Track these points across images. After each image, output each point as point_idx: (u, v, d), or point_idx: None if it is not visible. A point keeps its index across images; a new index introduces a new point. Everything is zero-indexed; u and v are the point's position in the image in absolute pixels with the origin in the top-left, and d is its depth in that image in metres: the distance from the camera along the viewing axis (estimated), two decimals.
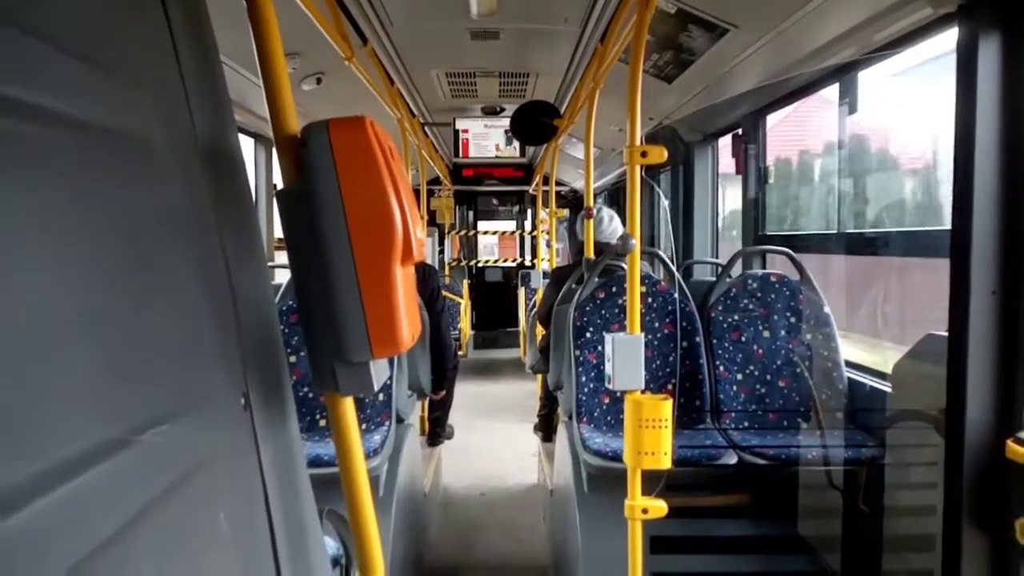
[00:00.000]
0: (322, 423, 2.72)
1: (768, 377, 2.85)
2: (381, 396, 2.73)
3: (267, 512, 0.69)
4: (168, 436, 0.52)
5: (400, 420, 2.80)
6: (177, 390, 0.55)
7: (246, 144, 4.20)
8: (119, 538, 0.44)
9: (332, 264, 0.70)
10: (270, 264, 4.18)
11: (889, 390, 2.48)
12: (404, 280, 0.74)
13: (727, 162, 4.19)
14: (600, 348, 2.79)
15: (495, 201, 10.00)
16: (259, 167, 4.07)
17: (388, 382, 2.74)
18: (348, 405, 0.80)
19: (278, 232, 4.00)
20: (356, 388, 0.75)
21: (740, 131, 3.79)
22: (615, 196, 7.42)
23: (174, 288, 0.57)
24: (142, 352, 0.51)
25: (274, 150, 0.86)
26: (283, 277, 3.40)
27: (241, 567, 0.64)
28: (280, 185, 0.77)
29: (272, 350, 0.76)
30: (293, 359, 2.69)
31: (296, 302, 0.77)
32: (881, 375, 2.68)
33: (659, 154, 1.79)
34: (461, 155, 6.26)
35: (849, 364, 2.81)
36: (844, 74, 2.76)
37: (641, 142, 1.82)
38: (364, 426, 2.72)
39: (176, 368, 0.56)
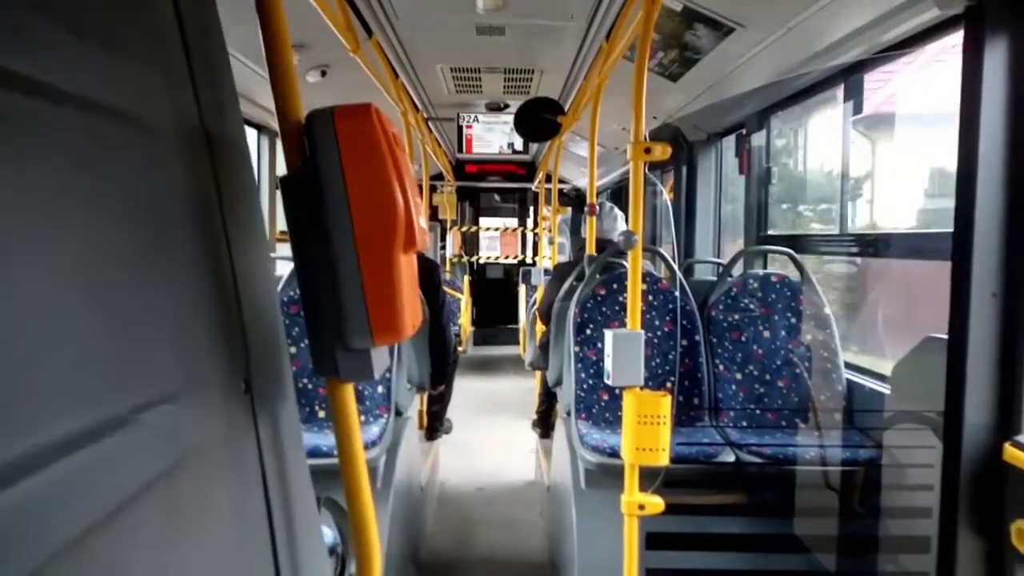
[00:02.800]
0: (321, 414, 2.72)
1: (767, 377, 2.86)
2: (380, 388, 2.74)
3: (265, 497, 0.69)
4: (169, 416, 0.52)
5: (399, 413, 2.81)
6: (178, 372, 0.55)
7: (250, 135, 4.21)
8: (117, 516, 0.44)
9: (334, 250, 0.70)
10: (272, 256, 4.18)
11: (888, 392, 2.48)
12: (406, 268, 0.74)
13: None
14: (600, 345, 2.80)
15: (497, 197, 10.00)
16: (262, 158, 4.07)
17: (387, 374, 2.74)
18: (348, 392, 0.81)
19: (280, 224, 4.00)
20: (357, 374, 0.75)
21: (744, 131, 3.79)
22: (617, 195, 7.41)
23: (176, 270, 0.57)
24: (143, 332, 0.51)
25: (278, 140, 0.86)
26: (284, 269, 3.41)
27: (238, 551, 0.64)
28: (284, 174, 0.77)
29: (273, 337, 0.77)
30: (293, 350, 2.70)
31: (298, 289, 0.77)
32: (880, 377, 2.68)
33: (663, 151, 1.79)
34: (464, 151, 6.26)
35: (848, 366, 2.82)
36: (850, 75, 2.76)
37: (645, 140, 1.82)
38: (363, 418, 2.72)
39: (177, 350, 0.56)
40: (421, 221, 0.78)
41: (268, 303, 0.77)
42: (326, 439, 2.36)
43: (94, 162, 0.48)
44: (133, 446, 0.47)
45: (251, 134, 4.14)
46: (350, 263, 0.71)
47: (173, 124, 0.60)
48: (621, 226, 3.41)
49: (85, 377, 0.43)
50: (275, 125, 0.77)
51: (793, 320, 2.89)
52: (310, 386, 2.74)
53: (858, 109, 2.76)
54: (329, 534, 1.09)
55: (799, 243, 3.22)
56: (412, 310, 0.77)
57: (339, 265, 0.71)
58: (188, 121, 0.63)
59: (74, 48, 0.47)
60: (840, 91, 2.87)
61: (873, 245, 2.92)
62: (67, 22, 0.46)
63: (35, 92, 0.42)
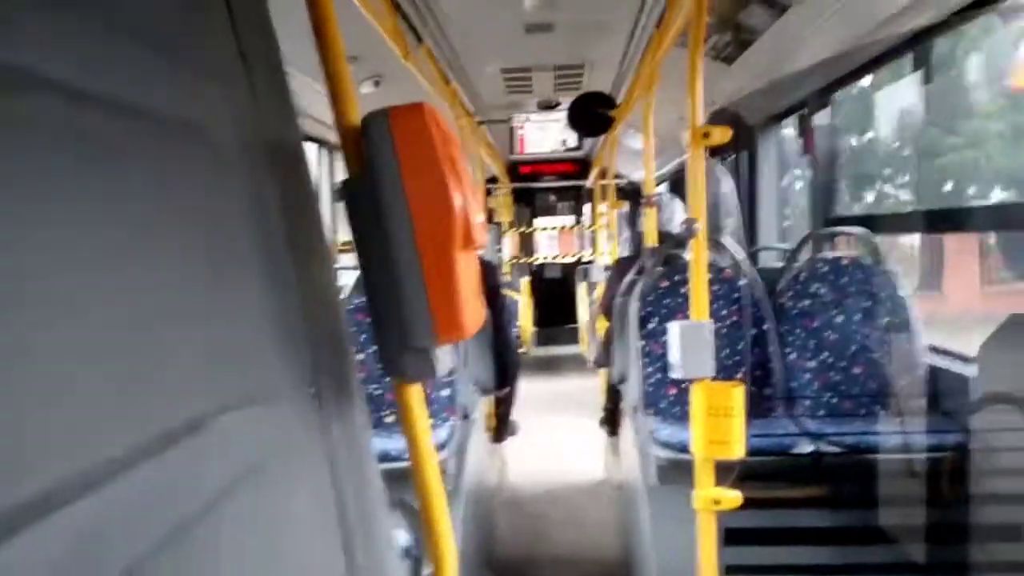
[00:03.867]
0: (389, 419, 2.76)
1: (843, 364, 2.75)
2: (446, 392, 2.76)
3: (337, 502, 0.69)
4: (238, 423, 0.53)
5: (465, 416, 2.83)
6: (248, 382, 0.56)
7: (309, 149, 4.31)
8: (186, 528, 0.44)
9: (395, 252, 0.71)
10: (336, 267, 4.27)
11: (973, 374, 2.36)
12: (466, 266, 0.74)
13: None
14: (664, 338, 2.74)
15: (552, 197, 9.98)
16: (322, 171, 4.17)
17: (452, 377, 2.76)
18: (416, 392, 0.81)
19: (341, 235, 4.09)
20: (421, 373, 0.76)
21: (807, 110, 3.66)
22: (675, 187, 7.29)
23: (242, 282, 0.58)
24: (212, 343, 0.52)
25: (336, 153, 0.87)
26: (346, 279, 3.48)
27: (312, 555, 0.64)
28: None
29: (339, 344, 0.77)
30: (361, 356, 2.74)
31: (364, 291, 0.77)
32: (965, 359, 2.55)
33: (723, 134, 1.74)
34: (517, 151, 6.27)
35: (932, 349, 2.69)
36: (919, 42, 2.63)
37: (703, 125, 1.78)
38: (430, 421, 2.74)
39: (246, 360, 0.57)
40: (479, 218, 0.77)
41: (333, 311, 0.78)
42: (395, 443, 2.39)
43: (162, 174, 0.49)
44: (203, 454, 0.48)
45: (310, 148, 4.24)
46: (412, 263, 0.71)
47: (235, 135, 0.61)
48: (680, 216, 3.35)
49: (153, 385, 0.44)
50: (333, 138, 0.78)
51: (867, 304, 2.77)
52: (378, 392, 2.78)
53: (929, 79, 2.63)
54: (404, 536, 1.10)
55: (871, 223, 3.09)
56: (474, 309, 0.77)
57: (401, 266, 0.71)
58: (250, 132, 0.64)
59: (143, 60, 0.48)
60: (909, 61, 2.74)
61: (950, 219, 2.78)
62: (124, 32, 0.47)
63: (106, 109, 0.43)
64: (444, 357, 0.78)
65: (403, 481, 0.85)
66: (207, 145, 0.56)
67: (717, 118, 4.01)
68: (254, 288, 0.61)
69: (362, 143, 0.73)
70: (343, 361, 0.77)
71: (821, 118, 3.55)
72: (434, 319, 0.72)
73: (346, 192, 0.75)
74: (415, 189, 0.70)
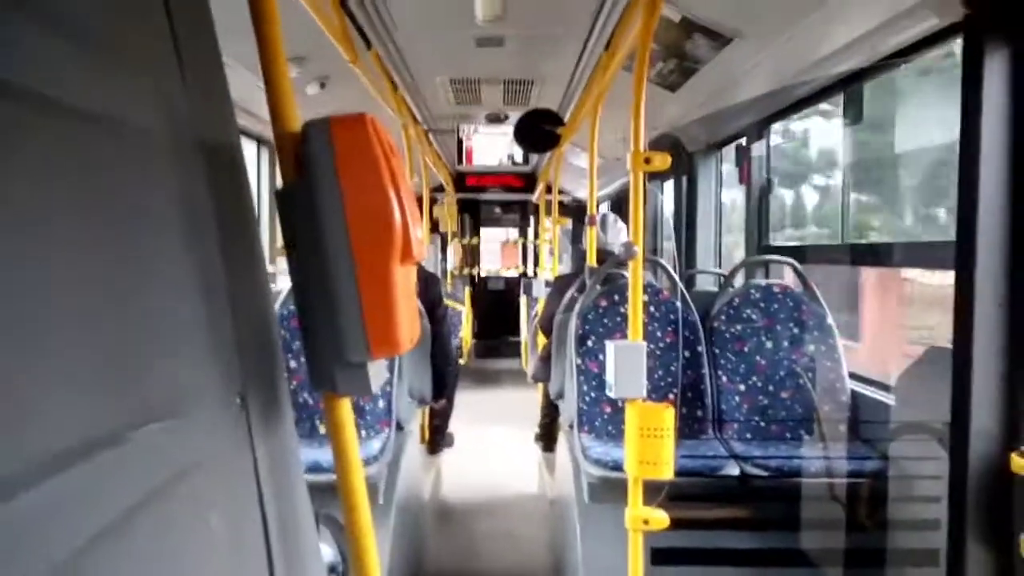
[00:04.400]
0: (322, 429, 2.70)
1: (771, 388, 2.83)
2: (381, 403, 2.72)
3: (262, 515, 0.67)
4: (160, 434, 0.51)
5: (400, 427, 2.79)
6: (170, 387, 0.54)
7: (248, 147, 4.21)
8: (109, 535, 0.43)
9: (331, 262, 0.69)
10: (272, 270, 4.17)
11: (893, 403, 2.46)
12: (403, 280, 0.73)
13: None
14: (602, 357, 2.78)
15: (498, 209, 10.01)
16: (261, 171, 4.07)
17: (388, 388, 2.72)
18: (345, 407, 0.79)
19: (279, 238, 4.00)
20: (353, 389, 0.74)
21: (744, 141, 3.79)
22: (617, 206, 7.42)
23: (166, 283, 0.56)
24: (132, 347, 0.50)
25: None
26: (285, 283, 3.40)
27: (234, 569, 0.62)
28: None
29: (269, 352, 0.75)
30: (294, 364, 2.68)
31: (296, 301, 0.75)
32: (884, 388, 2.66)
33: (663, 160, 1.78)
34: (464, 163, 6.27)
35: (853, 376, 2.79)
36: (850, 84, 2.75)
37: (644, 150, 1.82)
38: (364, 432, 2.70)
39: (168, 365, 0.55)
40: (418, 232, 0.77)
41: (264, 317, 0.75)
42: (326, 454, 2.34)
43: (81, 171, 0.47)
44: (124, 464, 0.46)
45: (249, 146, 4.14)
46: (347, 275, 0.69)
47: (165, 133, 0.59)
48: (624, 237, 3.40)
49: (71, 396, 0.42)
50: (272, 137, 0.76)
51: (796, 331, 2.87)
52: (310, 401, 2.72)
53: (858, 119, 2.76)
54: (329, 551, 1.07)
55: (801, 253, 3.20)
56: (410, 323, 0.76)
57: (335, 277, 0.70)
58: (182, 131, 0.62)
59: (62, 54, 0.46)
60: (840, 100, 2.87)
61: (875, 254, 2.90)
62: (55, 28, 0.45)
63: (19, 98, 0.41)
64: (378, 372, 0.77)
65: (334, 494, 0.84)
66: (131, 142, 0.54)
67: (659, 143, 4.10)
68: (180, 292, 0.58)
69: (301, 150, 0.71)
70: (273, 370, 0.75)
71: (757, 149, 3.68)
72: (368, 333, 0.71)
73: (281, 199, 0.73)
74: (354, 200, 0.69)
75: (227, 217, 0.67)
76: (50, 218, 0.42)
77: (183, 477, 0.54)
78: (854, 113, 2.76)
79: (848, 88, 2.77)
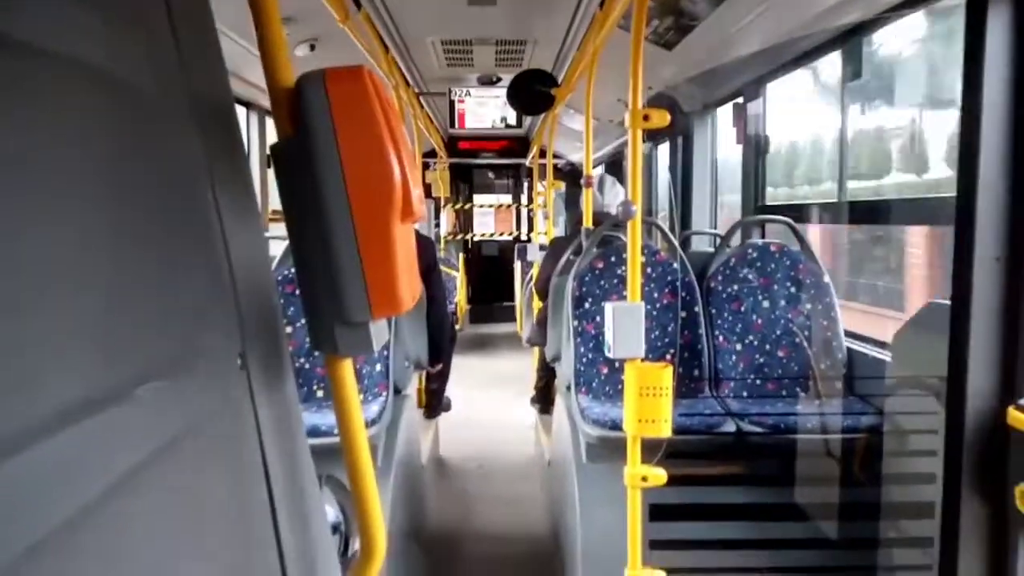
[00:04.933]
0: (319, 393, 2.71)
1: (767, 347, 2.85)
2: (379, 367, 2.73)
3: (265, 474, 0.67)
4: (162, 392, 0.50)
5: (397, 391, 2.80)
6: (170, 346, 0.53)
7: (239, 113, 4.14)
8: (110, 495, 0.42)
9: (329, 221, 0.68)
10: (267, 235, 4.14)
11: (889, 359, 2.48)
12: (404, 238, 0.72)
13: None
14: (599, 319, 2.78)
15: (491, 174, 9.94)
16: (252, 136, 4.01)
17: (385, 352, 2.73)
18: (347, 368, 0.79)
19: (272, 204, 3.97)
20: (355, 349, 0.73)
21: (741, 99, 3.75)
22: (611, 168, 7.37)
23: (166, 240, 0.55)
24: (131, 304, 0.49)
25: (268, 118, 0.83)
26: (276, 249, 3.38)
27: (239, 530, 0.62)
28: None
29: (269, 311, 0.74)
30: (289, 329, 2.68)
31: (293, 264, 0.74)
32: (881, 344, 2.68)
33: (662, 118, 1.76)
34: (457, 126, 6.20)
35: (849, 334, 2.81)
36: (848, 39, 2.71)
37: (643, 108, 1.79)
38: (362, 396, 2.71)
39: (168, 324, 0.54)
40: (418, 190, 0.75)
41: (262, 277, 0.74)
42: (325, 418, 2.35)
43: (78, 127, 0.45)
44: (125, 422, 0.46)
45: (240, 112, 4.08)
46: (346, 234, 0.68)
47: (160, 90, 0.57)
48: (620, 196, 3.38)
49: (74, 353, 0.42)
50: (265, 102, 0.74)
51: (792, 289, 2.88)
52: (307, 365, 2.72)
53: (856, 74, 2.73)
54: (331, 512, 1.08)
55: (797, 212, 3.19)
56: (410, 282, 0.75)
57: (335, 236, 0.68)
58: (175, 88, 0.60)
59: (54, 5, 0.44)
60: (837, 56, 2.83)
61: (873, 212, 2.90)
62: None
63: (15, 49, 0.39)
64: (379, 332, 0.76)
65: (333, 457, 0.83)
66: (131, 97, 0.52)
67: (655, 103, 4.05)
68: (178, 253, 0.57)
69: (296, 105, 0.69)
70: (272, 331, 0.74)
71: (754, 108, 3.64)
72: (370, 292, 0.70)
73: (276, 157, 0.72)
74: (352, 155, 0.67)
75: (222, 176, 0.66)
76: (47, 175, 0.41)
77: (186, 436, 0.54)
78: (853, 69, 2.73)
79: (846, 43, 2.73)
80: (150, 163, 0.55)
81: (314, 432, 2.30)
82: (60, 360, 0.40)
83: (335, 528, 1.07)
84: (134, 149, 0.52)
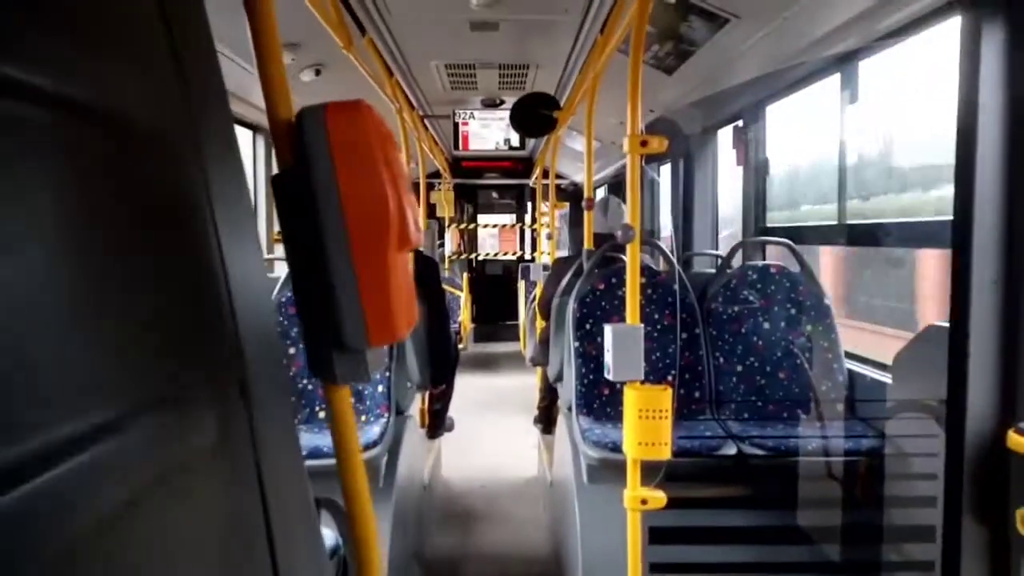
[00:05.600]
0: (322, 415, 2.71)
1: (768, 368, 2.85)
2: (380, 388, 2.73)
3: (262, 500, 0.68)
4: (158, 422, 0.51)
5: (399, 412, 2.80)
6: (167, 376, 0.54)
7: (244, 136, 4.19)
8: (106, 526, 0.43)
9: (327, 250, 0.69)
10: (270, 257, 4.17)
11: (889, 381, 2.47)
12: (401, 267, 0.73)
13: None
14: (600, 340, 2.79)
15: (495, 194, 9.98)
16: (258, 159, 4.06)
17: (387, 374, 2.74)
18: (345, 394, 0.80)
19: (277, 226, 3.99)
20: (352, 376, 0.74)
21: (741, 122, 3.77)
22: (615, 189, 7.41)
23: (162, 271, 0.56)
24: (128, 336, 0.50)
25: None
26: (282, 270, 3.40)
27: (235, 558, 0.63)
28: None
29: (268, 338, 0.76)
30: (293, 351, 2.69)
31: (293, 289, 0.75)
32: (882, 366, 2.68)
33: (659, 143, 1.78)
34: (461, 148, 6.25)
35: (849, 356, 2.81)
36: (845, 64, 2.74)
37: (641, 133, 1.82)
38: (363, 417, 2.72)
39: (166, 354, 0.55)
40: (417, 219, 0.77)
41: (262, 304, 0.76)
42: (326, 439, 2.35)
43: (74, 160, 0.47)
44: (123, 452, 0.46)
45: (246, 135, 4.13)
46: (344, 262, 0.70)
47: (158, 122, 0.59)
48: (624, 218, 3.40)
49: (70, 384, 0.42)
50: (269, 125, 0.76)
51: (793, 311, 2.88)
52: (310, 386, 2.73)
53: (854, 98, 2.75)
54: (331, 536, 1.08)
55: (797, 234, 3.20)
56: (407, 310, 0.76)
57: (332, 265, 0.70)
58: (175, 119, 0.62)
59: (55, 45, 0.45)
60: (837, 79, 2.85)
61: (872, 234, 2.91)
62: (40, 14, 0.45)
63: (11, 92, 0.41)
64: (376, 358, 0.77)
65: (334, 478, 0.84)
66: (127, 131, 0.54)
67: (656, 126, 4.09)
68: (177, 281, 0.58)
69: (296, 137, 0.71)
70: (272, 358, 0.75)
71: (755, 131, 3.67)
72: (367, 320, 0.71)
73: (277, 186, 0.73)
74: (350, 187, 0.68)
75: (221, 205, 0.67)
76: (45, 209, 0.42)
77: (183, 465, 0.54)
78: (850, 92, 2.76)
79: (844, 67, 2.76)
80: (147, 191, 0.56)
81: (316, 454, 2.30)
82: (50, 393, 0.41)
83: (334, 552, 1.07)
84: (131, 180, 0.54)
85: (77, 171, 0.47)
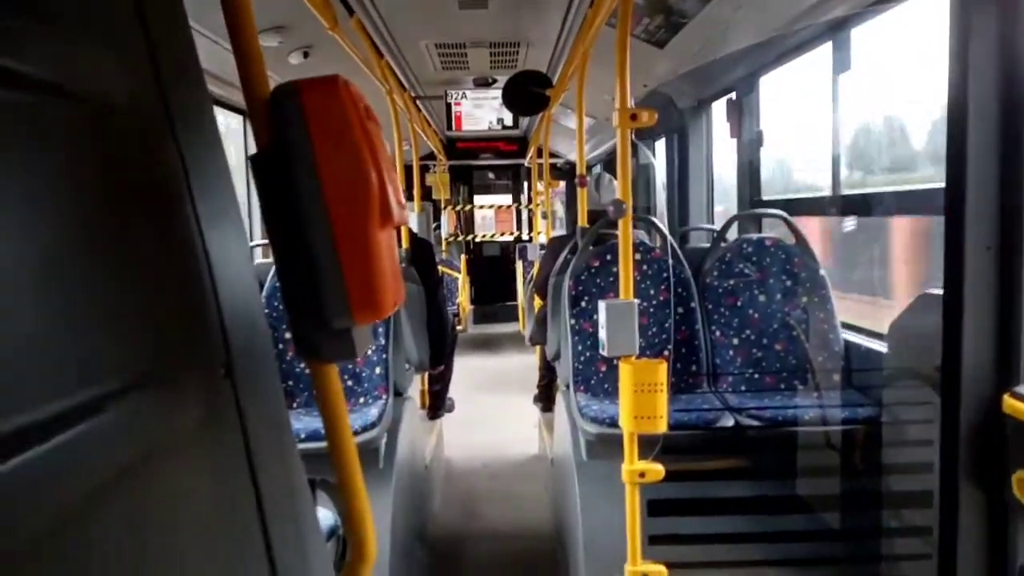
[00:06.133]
0: None
1: (764, 341, 2.85)
2: (378, 370, 2.74)
3: (253, 483, 0.68)
4: (139, 402, 0.51)
5: (398, 393, 2.81)
6: (148, 357, 0.54)
7: (236, 121, 4.17)
8: (89, 509, 0.43)
9: (308, 228, 0.69)
10: (264, 242, 4.16)
11: (885, 350, 2.48)
12: (384, 244, 0.73)
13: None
14: (595, 317, 2.79)
15: (491, 175, 9.95)
16: (248, 142, 4.03)
17: (384, 355, 2.74)
18: (333, 373, 0.80)
19: None
20: (338, 355, 0.74)
21: (735, 95, 3.75)
22: (610, 167, 7.38)
23: (142, 252, 0.56)
24: (107, 316, 0.50)
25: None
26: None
27: (226, 537, 0.63)
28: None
29: (253, 319, 0.75)
30: (288, 334, 2.68)
31: (276, 270, 0.75)
32: (877, 335, 2.68)
33: (649, 117, 1.77)
34: (454, 129, 6.21)
35: (845, 326, 2.81)
36: (837, 32, 2.72)
37: (631, 107, 1.80)
38: (362, 399, 2.72)
39: (147, 335, 0.55)
40: (400, 196, 0.76)
41: (246, 285, 0.75)
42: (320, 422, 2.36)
43: (43, 143, 0.46)
44: (103, 433, 0.46)
45: (236, 119, 4.10)
46: (325, 240, 0.69)
47: (133, 104, 0.58)
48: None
49: (53, 365, 0.42)
50: None
51: (788, 283, 2.88)
52: (308, 371, 2.73)
53: (845, 66, 2.73)
54: (329, 516, 1.08)
55: (792, 205, 3.19)
56: (393, 287, 0.75)
57: (314, 243, 0.69)
58: (149, 101, 0.61)
59: (23, 27, 0.45)
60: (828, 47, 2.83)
61: (867, 204, 2.90)
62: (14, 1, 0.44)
63: None
64: (362, 337, 0.77)
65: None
66: (101, 113, 0.53)
67: (650, 100, 4.06)
68: (159, 261, 0.58)
69: (272, 115, 0.70)
70: (258, 339, 0.75)
71: (748, 103, 3.64)
72: (351, 299, 0.71)
73: (255, 166, 0.73)
74: (328, 164, 0.68)
75: (201, 186, 0.67)
76: (21, 190, 0.42)
77: (166, 447, 0.54)
78: (842, 60, 2.73)
79: (836, 35, 2.73)
80: (126, 175, 0.55)
81: (315, 436, 2.31)
82: (31, 373, 0.41)
83: (333, 532, 1.08)
84: (108, 164, 0.53)
85: (53, 152, 0.46)
